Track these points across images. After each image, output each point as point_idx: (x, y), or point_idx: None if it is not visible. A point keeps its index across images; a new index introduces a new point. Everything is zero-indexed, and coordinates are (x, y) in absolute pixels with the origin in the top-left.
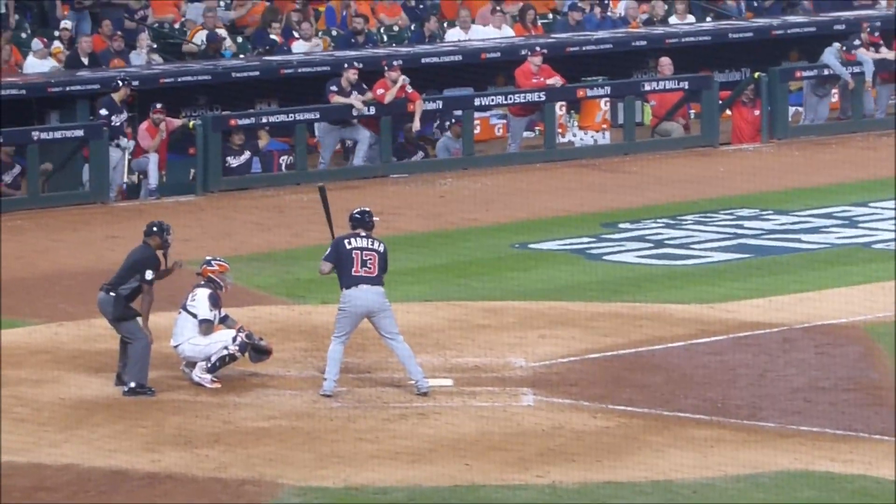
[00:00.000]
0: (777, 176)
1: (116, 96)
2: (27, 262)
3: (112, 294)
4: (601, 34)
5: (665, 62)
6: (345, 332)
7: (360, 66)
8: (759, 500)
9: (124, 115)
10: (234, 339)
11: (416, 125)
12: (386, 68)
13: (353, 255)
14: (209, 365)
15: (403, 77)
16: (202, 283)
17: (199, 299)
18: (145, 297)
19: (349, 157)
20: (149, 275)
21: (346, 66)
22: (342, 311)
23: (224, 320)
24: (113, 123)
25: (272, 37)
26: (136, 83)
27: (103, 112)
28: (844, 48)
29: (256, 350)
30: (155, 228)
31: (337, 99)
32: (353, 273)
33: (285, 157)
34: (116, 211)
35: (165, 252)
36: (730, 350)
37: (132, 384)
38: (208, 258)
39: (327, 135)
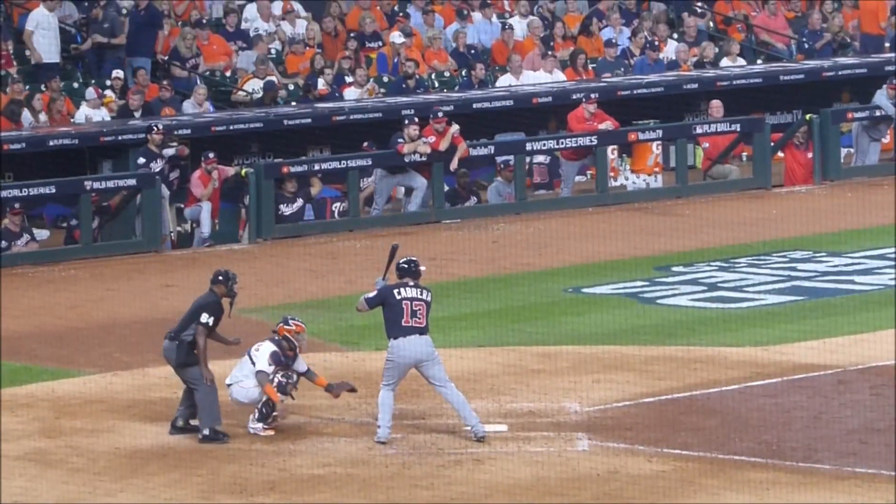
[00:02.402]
0: (830, 218)
1: (151, 144)
2: (82, 312)
3: (175, 341)
4: (652, 77)
5: (716, 104)
6: (393, 380)
7: (417, 120)
8: None
9: (163, 161)
10: (273, 382)
11: (454, 164)
12: (431, 117)
13: (404, 306)
14: (258, 414)
15: (455, 126)
16: (275, 338)
17: (262, 351)
18: (198, 338)
19: (403, 204)
20: (204, 317)
21: (405, 122)
22: (391, 362)
23: (307, 374)
24: (153, 171)
25: (320, 86)
26: (188, 131)
27: (140, 161)
28: (891, 82)
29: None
30: (220, 277)
31: (409, 147)
32: (402, 324)
33: (338, 204)
34: (170, 260)
35: (232, 301)
36: (785, 392)
37: (206, 431)
38: (286, 317)
39: (382, 181)
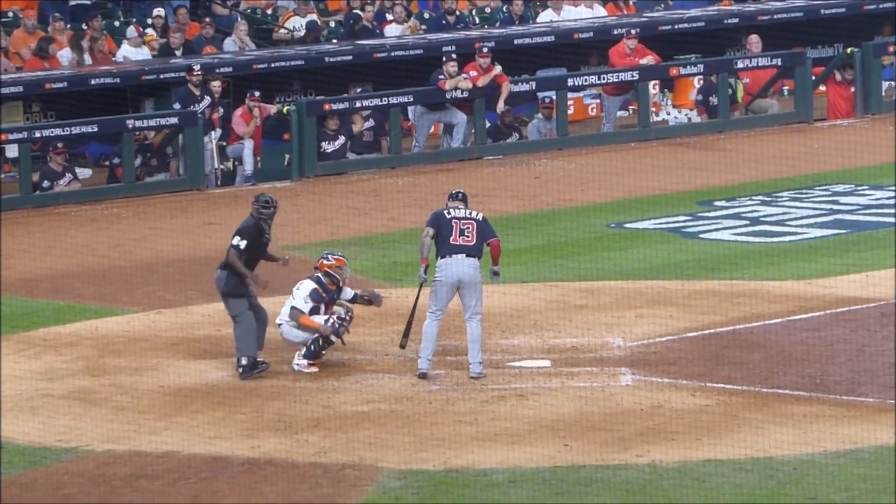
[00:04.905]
0: (872, 151)
1: (191, 85)
2: (125, 251)
3: (226, 270)
4: (693, 12)
5: (754, 39)
6: (439, 305)
7: (455, 56)
8: (860, 475)
9: (206, 101)
10: (327, 322)
11: (500, 106)
12: (477, 53)
13: (453, 224)
14: (305, 351)
15: (498, 66)
16: (318, 275)
17: (302, 289)
18: (231, 260)
19: (444, 140)
20: (235, 240)
21: (444, 58)
22: (437, 282)
23: (356, 298)
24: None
25: (363, 22)
26: (229, 69)
27: (176, 106)
28: None
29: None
30: (253, 200)
31: (450, 83)
32: (451, 241)
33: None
34: (213, 198)
35: (266, 224)
36: (828, 326)
37: (243, 361)
38: (325, 253)
39: (422, 118)
